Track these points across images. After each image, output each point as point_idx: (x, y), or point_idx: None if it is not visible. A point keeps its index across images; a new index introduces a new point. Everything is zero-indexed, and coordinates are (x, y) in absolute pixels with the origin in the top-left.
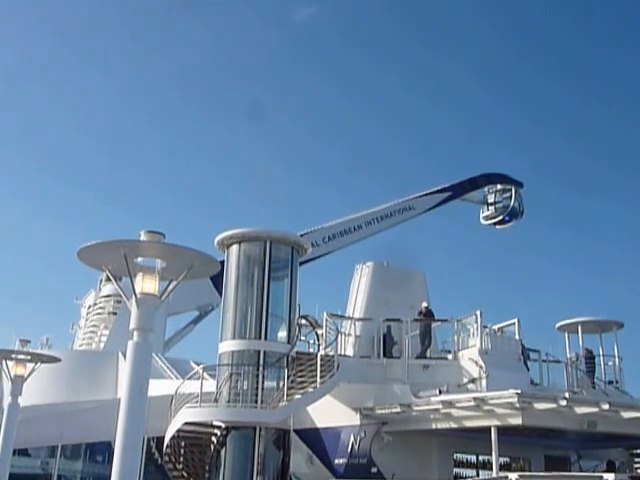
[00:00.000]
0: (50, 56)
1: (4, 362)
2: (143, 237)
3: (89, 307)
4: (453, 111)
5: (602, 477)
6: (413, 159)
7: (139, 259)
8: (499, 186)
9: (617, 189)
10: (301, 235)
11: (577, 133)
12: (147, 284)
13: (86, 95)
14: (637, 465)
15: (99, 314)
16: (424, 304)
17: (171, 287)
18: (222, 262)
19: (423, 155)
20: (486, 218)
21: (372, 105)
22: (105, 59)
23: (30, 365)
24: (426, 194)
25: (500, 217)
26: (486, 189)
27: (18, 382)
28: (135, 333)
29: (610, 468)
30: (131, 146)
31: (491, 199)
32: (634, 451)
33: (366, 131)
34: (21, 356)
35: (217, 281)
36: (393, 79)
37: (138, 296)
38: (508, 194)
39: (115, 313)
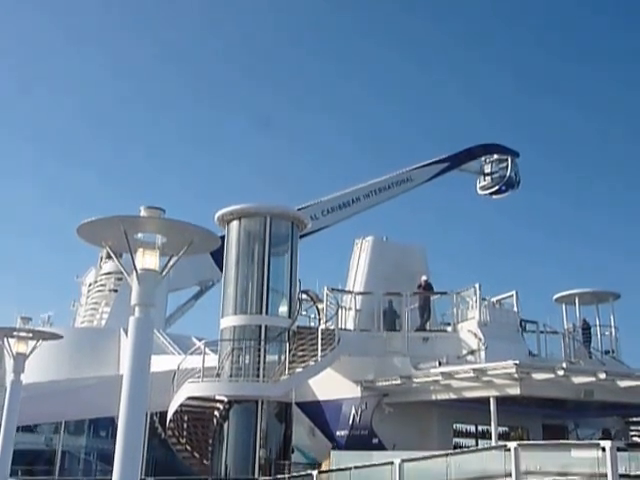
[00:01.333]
0: (49, 37)
1: (6, 339)
2: (143, 213)
3: (90, 285)
4: (458, 85)
5: (599, 444)
6: (409, 130)
7: (139, 235)
8: (496, 156)
9: (617, 159)
10: (300, 209)
11: (578, 102)
12: (148, 260)
13: (85, 76)
14: (633, 433)
15: (100, 291)
16: (423, 277)
17: (172, 262)
18: (222, 237)
19: (421, 127)
20: (483, 188)
21: (368, 75)
22: (103, 38)
23: (32, 342)
24: (424, 165)
25: (497, 187)
26: (483, 159)
27: (20, 359)
28: (136, 309)
29: (605, 436)
30: (131, 125)
31: (488, 169)
32: (630, 419)
33: (364, 103)
34: (22, 333)
35: (217, 257)
36: (392, 50)
37: (139, 272)
38: (504, 164)
39: (116, 290)
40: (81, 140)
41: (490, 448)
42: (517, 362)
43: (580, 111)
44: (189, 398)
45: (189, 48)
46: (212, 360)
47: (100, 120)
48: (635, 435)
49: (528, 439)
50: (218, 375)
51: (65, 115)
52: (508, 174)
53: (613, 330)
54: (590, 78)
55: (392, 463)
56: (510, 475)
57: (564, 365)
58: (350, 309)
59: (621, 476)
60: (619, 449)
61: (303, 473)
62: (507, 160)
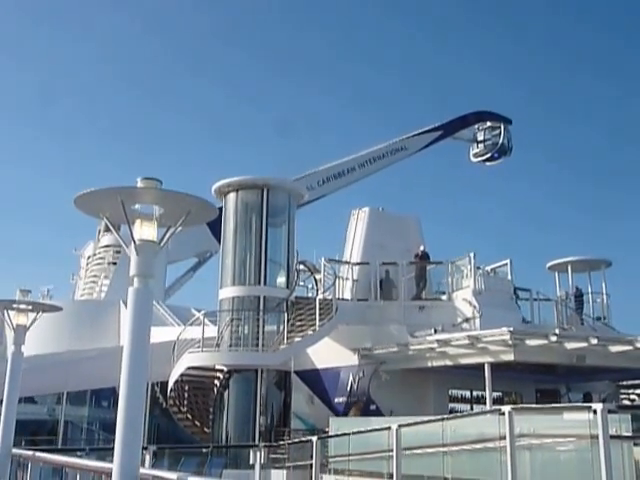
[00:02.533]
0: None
1: (5, 312)
2: (140, 184)
3: (89, 258)
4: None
5: (591, 407)
6: (405, 96)
7: (137, 206)
8: (488, 123)
9: (615, 123)
10: (296, 179)
11: (575, 60)
12: (146, 230)
13: (71, 49)
14: (623, 396)
15: (99, 264)
16: (421, 247)
17: (169, 233)
18: (220, 209)
19: (417, 92)
20: (476, 155)
21: (358, 41)
22: (97, 21)
23: (32, 315)
24: (418, 134)
25: (489, 154)
26: (476, 127)
27: (20, 331)
28: (135, 279)
29: (587, 399)
30: (126, 98)
31: (480, 137)
32: (620, 383)
33: (359, 69)
34: (22, 306)
35: (215, 228)
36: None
37: (137, 243)
38: (497, 131)
39: (115, 263)
40: (74, 112)
41: (485, 412)
42: (511, 329)
43: (580, 71)
44: (189, 368)
45: (179, 21)
46: (211, 331)
47: (93, 92)
48: (625, 398)
49: (522, 403)
50: (218, 345)
51: (57, 89)
52: (501, 141)
53: (604, 297)
54: (593, 35)
55: (389, 428)
56: (504, 438)
57: (557, 331)
58: (347, 279)
59: (612, 437)
60: (610, 411)
61: (303, 439)
62: (500, 127)
